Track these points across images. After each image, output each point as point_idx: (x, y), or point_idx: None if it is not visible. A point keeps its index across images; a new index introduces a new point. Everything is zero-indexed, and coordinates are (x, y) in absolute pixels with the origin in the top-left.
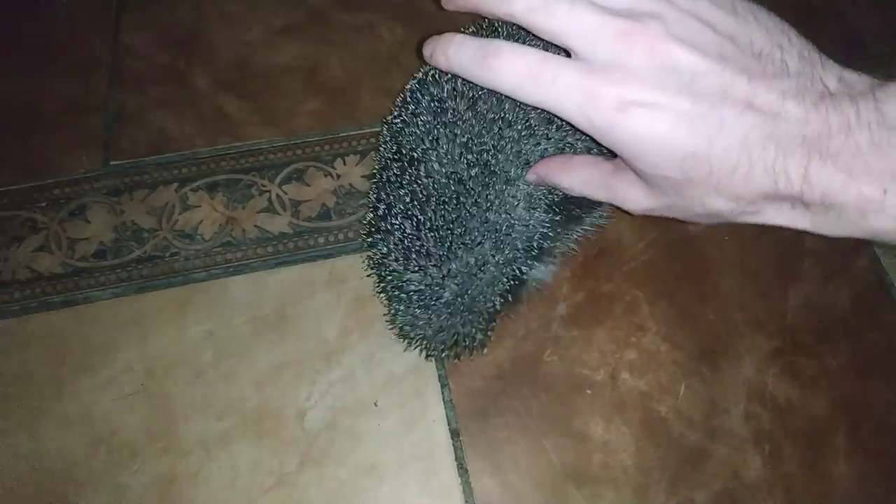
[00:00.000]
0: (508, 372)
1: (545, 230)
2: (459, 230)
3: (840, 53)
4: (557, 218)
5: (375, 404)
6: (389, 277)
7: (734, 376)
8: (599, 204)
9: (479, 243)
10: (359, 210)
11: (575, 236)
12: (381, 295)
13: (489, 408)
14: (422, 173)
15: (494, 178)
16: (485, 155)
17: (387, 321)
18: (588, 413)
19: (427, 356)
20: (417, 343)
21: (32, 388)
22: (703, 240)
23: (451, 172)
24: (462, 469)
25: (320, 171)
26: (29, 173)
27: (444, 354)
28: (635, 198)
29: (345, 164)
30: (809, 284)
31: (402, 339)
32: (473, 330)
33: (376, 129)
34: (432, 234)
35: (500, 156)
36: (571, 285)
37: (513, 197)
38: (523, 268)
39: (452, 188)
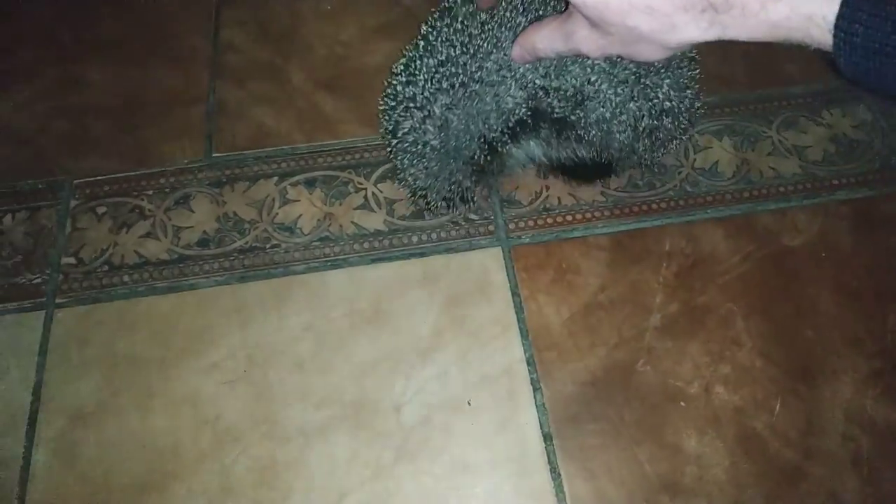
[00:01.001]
0: (601, 379)
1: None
2: (442, 79)
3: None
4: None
5: (469, 403)
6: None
7: (832, 396)
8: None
9: (455, 87)
10: (451, 211)
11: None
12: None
13: (582, 414)
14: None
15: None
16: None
17: (398, 180)
18: (681, 425)
19: (427, 207)
20: (420, 194)
21: (141, 369)
22: (800, 255)
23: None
24: (555, 473)
25: None
26: (135, 162)
27: (442, 203)
28: (586, 35)
29: None
30: None
31: (410, 195)
32: (461, 177)
33: None
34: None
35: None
36: (665, 295)
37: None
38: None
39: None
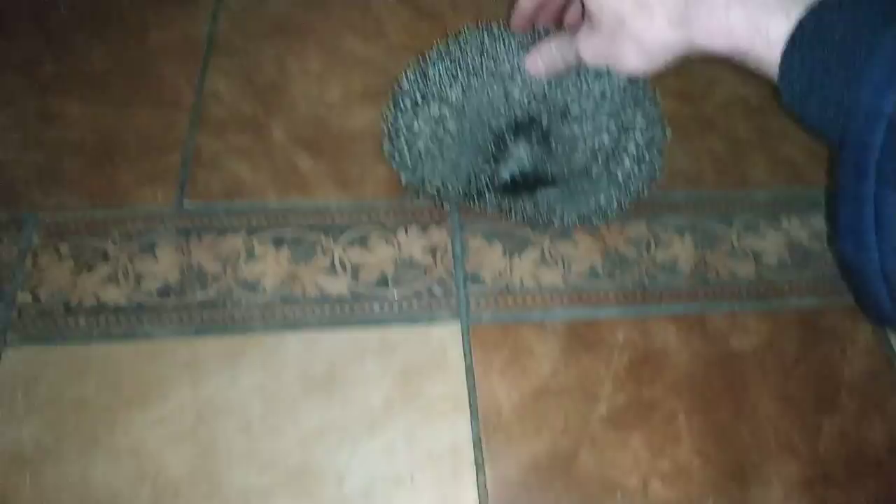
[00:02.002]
0: (544, 465)
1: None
2: (456, 71)
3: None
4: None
5: (412, 479)
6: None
7: (763, 500)
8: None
9: (469, 75)
10: (416, 282)
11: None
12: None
13: (521, 499)
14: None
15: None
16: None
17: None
18: None
19: (441, 203)
20: (442, 195)
21: (87, 417)
22: (747, 359)
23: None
24: None
25: (383, 239)
26: (105, 202)
27: (462, 197)
28: (584, 37)
29: (407, 234)
30: (844, 417)
31: (417, 195)
32: (481, 161)
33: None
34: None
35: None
36: (614, 387)
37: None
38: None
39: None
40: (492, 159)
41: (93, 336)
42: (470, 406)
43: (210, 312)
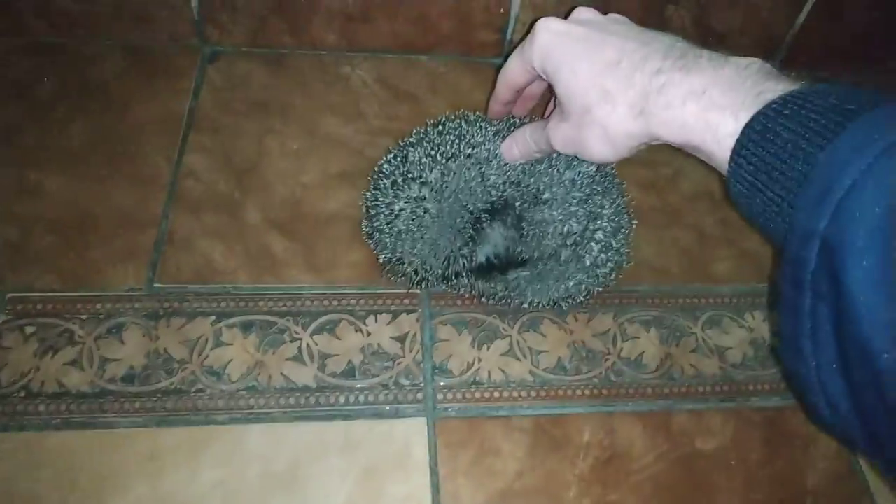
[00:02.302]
0: None
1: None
2: (436, 154)
3: None
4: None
5: None
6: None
7: None
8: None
9: (448, 159)
10: (383, 373)
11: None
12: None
13: None
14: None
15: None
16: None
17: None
18: None
19: (419, 283)
20: (420, 276)
21: None
22: (711, 460)
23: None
24: None
25: (352, 326)
26: (76, 282)
27: (439, 278)
28: (555, 124)
29: (377, 321)
30: None
31: (393, 276)
32: (459, 242)
33: (413, 292)
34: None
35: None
36: (579, 490)
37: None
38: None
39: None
40: (469, 241)
41: (52, 424)
42: None
43: (174, 401)
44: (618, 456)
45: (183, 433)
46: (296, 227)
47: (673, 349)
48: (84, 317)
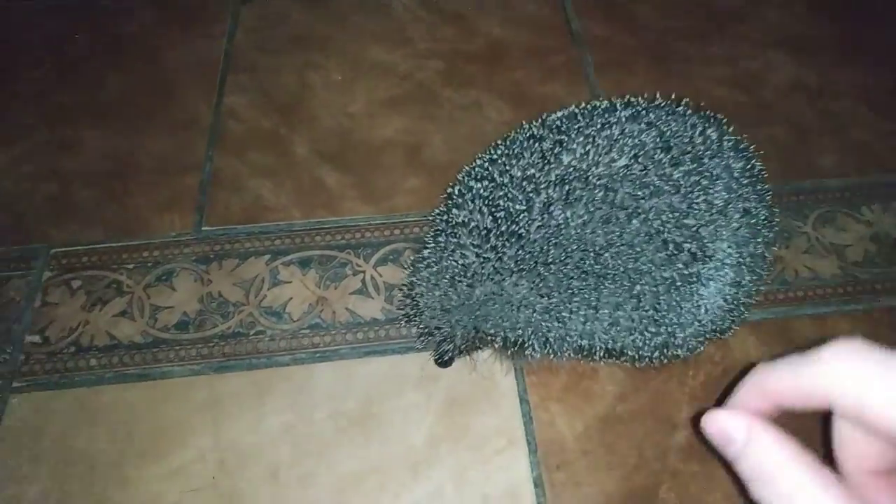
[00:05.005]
0: None
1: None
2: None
3: None
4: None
5: None
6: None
7: None
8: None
9: (532, 267)
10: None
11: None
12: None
13: None
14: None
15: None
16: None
17: (406, 314)
18: None
19: (440, 358)
20: (436, 339)
21: (97, 470)
22: None
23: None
24: None
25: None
26: (119, 232)
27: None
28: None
29: None
30: None
31: (420, 335)
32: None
33: None
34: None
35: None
36: (692, 409)
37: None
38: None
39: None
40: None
41: (105, 378)
42: (527, 440)
43: (232, 345)
44: (733, 370)
45: (244, 378)
46: (347, 157)
47: (782, 251)
48: (131, 266)
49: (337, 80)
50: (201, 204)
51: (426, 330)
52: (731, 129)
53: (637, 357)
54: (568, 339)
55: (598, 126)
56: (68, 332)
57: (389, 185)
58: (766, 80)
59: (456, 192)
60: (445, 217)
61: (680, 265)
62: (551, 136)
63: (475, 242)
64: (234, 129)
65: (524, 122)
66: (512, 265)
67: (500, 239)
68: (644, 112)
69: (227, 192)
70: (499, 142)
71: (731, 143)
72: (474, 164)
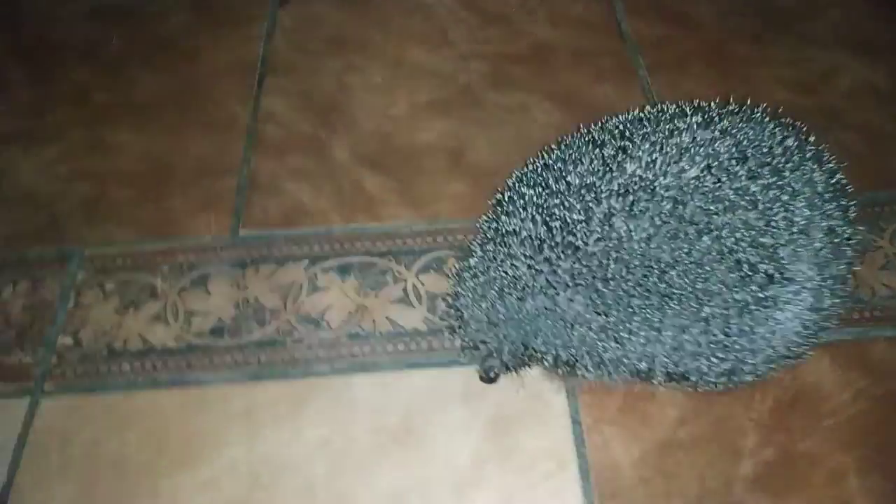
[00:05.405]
0: None
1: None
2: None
3: None
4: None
5: None
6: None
7: None
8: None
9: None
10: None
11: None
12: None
13: None
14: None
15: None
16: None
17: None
18: None
19: (485, 374)
20: (481, 353)
21: (127, 479)
22: None
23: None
24: None
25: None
26: (154, 234)
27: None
28: None
29: None
30: None
31: (464, 348)
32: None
33: None
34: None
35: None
36: (759, 437)
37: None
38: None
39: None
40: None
41: (137, 383)
42: (579, 464)
43: (268, 353)
44: (804, 396)
45: (280, 387)
46: (388, 161)
47: (856, 268)
48: (165, 269)
49: (377, 82)
50: (238, 207)
51: (471, 344)
52: (811, 139)
53: (700, 382)
54: (625, 360)
55: (666, 133)
56: (101, 336)
57: (432, 190)
58: (832, 82)
59: (506, 198)
60: (494, 225)
61: (754, 287)
62: (613, 141)
63: (527, 253)
64: (271, 131)
65: (581, 126)
66: (567, 279)
67: (555, 250)
68: (717, 118)
69: (264, 195)
70: (552, 146)
71: (812, 154)
72: (526, 168)
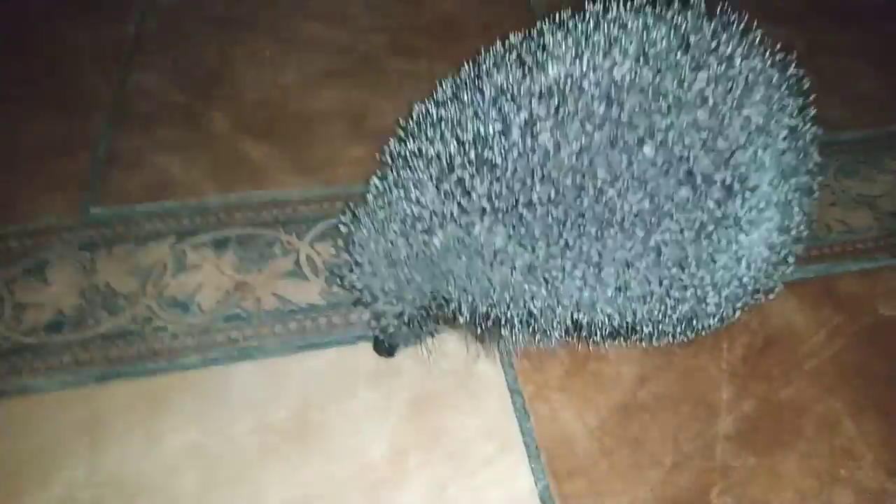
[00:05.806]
0: None
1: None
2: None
3: None
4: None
5: None
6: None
7: None
8: None
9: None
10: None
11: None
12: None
13: None
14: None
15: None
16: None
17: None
18: None
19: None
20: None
21: None
22: None
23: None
24: None
25: None
26: None
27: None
28: None
29: None
30: None
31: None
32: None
33: None
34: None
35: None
36: (735, 388)
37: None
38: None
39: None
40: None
41: None
42: (524, 441)
43: (119, 347)
44: (776, 340)
45: (134, 388)
46: (276, 130)
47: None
48: None
49: (265, 55)
50: (93, 184)
51: (365, 295)
52: (755, 26)
53: (654, 334)
54: (559, 310)
55: (591, 25)
56: None
57: (329, 155)
58: None
59: (412, 119)
60: (397, 148)
61: (711, 204)
62: (531, 43)
63: (435, 174)
64: (140, 106)
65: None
66: (483, 204)
67: (469, 169)
68: (646, 5)
69: (125, 170)
70: (465, 62)
71: (758, 41)
72: (434, 92)
